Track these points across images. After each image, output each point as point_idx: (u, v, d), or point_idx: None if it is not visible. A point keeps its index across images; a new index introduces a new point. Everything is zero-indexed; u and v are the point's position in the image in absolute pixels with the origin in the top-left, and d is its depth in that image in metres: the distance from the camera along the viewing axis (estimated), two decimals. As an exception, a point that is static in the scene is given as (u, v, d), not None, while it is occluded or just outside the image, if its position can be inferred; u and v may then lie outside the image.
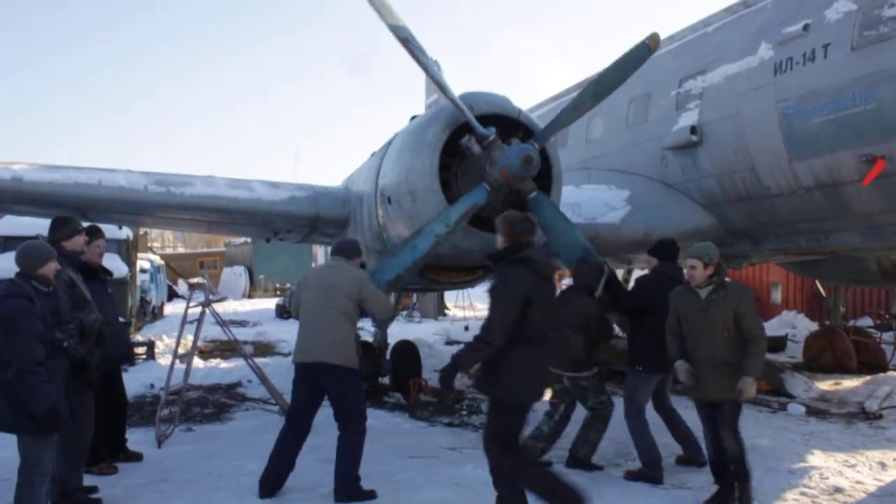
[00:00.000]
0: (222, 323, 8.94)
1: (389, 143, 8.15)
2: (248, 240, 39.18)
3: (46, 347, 4.80)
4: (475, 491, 6.03)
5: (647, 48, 7.08)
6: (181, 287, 33.06)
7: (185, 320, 8.80)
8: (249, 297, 37.48)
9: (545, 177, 7.20)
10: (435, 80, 6.96)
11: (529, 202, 6.84)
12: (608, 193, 9.65)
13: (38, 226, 15.50)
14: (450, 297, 25.49)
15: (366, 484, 5.97)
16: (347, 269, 6.17)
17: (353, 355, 6.03)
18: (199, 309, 8.74)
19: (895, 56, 6.37)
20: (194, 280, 23.23)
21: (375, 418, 8.44)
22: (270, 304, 29.38)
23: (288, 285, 35.06)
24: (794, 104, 7.23)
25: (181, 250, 62.83)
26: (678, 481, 6.35)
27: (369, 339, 11.66)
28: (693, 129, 8.52)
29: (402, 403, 9.99)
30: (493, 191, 6.65)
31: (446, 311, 24.90)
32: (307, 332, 6.03)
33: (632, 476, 6.45)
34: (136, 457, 7.03)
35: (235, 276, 38.24)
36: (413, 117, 9.01)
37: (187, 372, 8.48)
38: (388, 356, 11.11)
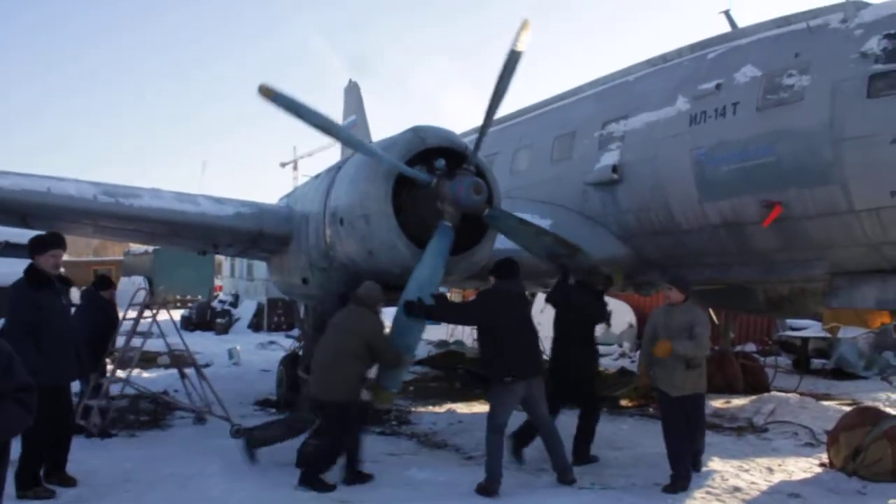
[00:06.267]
0: (166, 333, 9.17)
1: (339, 168, 8.65)
2: (150, 249, 38.11)
3: None
4: (423, 491, 6.66)
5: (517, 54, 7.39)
6: (74, 295, 31.90)
7: (135, 327, 9.00)
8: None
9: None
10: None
11: (486, 218, 7.52)
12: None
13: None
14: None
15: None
16: None
17: None
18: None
19: (792, 118, 7.43)
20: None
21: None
22: (174, 315, 28.79)
23: (189, 297, 34.35)
24: (705, 152, 8.22)
25: (66, 258, 60.12)
26: (602, 482, 7.14)
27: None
28: (614, 168, 9.39)
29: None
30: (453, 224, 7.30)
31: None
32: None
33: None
34: (70, 482, 6.50)
35: (134, 286, 37.17)
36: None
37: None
38: None
